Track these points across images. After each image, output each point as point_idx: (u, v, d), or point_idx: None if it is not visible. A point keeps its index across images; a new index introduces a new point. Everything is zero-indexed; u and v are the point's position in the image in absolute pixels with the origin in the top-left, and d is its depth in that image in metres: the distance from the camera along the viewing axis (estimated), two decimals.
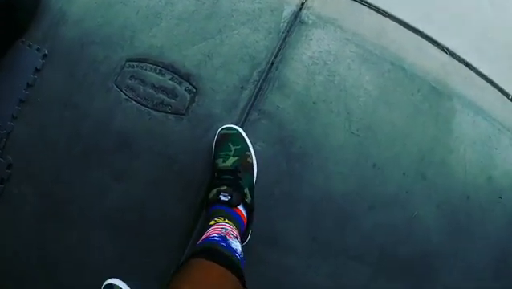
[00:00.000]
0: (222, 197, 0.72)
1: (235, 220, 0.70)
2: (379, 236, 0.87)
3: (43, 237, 0.89)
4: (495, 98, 1.07)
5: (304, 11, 0.92)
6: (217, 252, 0.54)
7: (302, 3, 0.93)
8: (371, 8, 0.98)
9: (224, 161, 0.78)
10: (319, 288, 0.85)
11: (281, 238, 0.84)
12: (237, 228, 0.69)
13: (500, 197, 0.99)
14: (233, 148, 0.79)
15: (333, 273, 0.85)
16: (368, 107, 0.89)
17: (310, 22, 0.93)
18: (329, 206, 0.86)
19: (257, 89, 0.88)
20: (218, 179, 0.76)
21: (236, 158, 0.78)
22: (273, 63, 0.89)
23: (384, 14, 0.99)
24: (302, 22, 0.92)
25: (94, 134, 0.90)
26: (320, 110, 0.88)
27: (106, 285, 0.81)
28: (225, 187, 0.73)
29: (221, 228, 0.65)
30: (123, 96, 0.92)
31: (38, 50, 0.96)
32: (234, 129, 0.82)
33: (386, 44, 0.95)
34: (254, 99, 0.87)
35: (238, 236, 0.66)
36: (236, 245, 0.60)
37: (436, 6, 1.05)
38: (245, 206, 0.74)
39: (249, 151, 0.82)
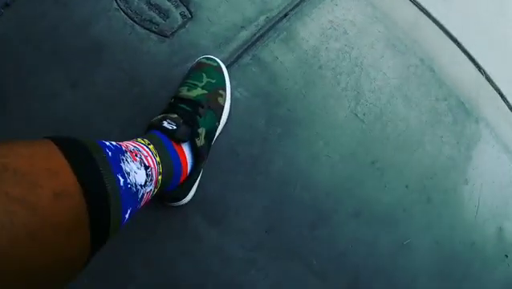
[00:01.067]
0: (165, 124, 0.41)
1: (166, 156, 0.39)
2: (356, 254, 0.53)
3: None
4: None
5: None
6: (80, 147, 0.24)
7: None
8: (411, 1, 0.70)
9: (189, 90, 0.48)
10: None
11: (228, 215, 0.51)
12: (165, 168, 0.38)
13: (506, 256, 0.64)
14: (205, 79, 0.50)
15: (280, 282, 0.50)
16: (384, 94, 0.59)
17: None
18: (302, 195, 0.53)
19: (259, 34, 0.60)
20: (172, 106, 0.46)
21: (205, 92, 0.49)
22: (286, 15, 0.61)
23: (422, 11, 0.71)
24: None
25: (70, 34, 0.65)
26: (325, 77, 0.58)
27: None
28: (175, 115, 0.43)
29: (131, 145, 0.34)
30: (114, 5, 0.65)
31: None
32: (216, 61, 0.53)
33: (418, 39, 0.67)
34: (253, 44, 0.59)
35: (155, 174, 0.35)
36: (133, 170, 0.29)
37: (479, 26, 0.76)
38: (194, 149, 0.43)
39: (225, 90, 0.52)
